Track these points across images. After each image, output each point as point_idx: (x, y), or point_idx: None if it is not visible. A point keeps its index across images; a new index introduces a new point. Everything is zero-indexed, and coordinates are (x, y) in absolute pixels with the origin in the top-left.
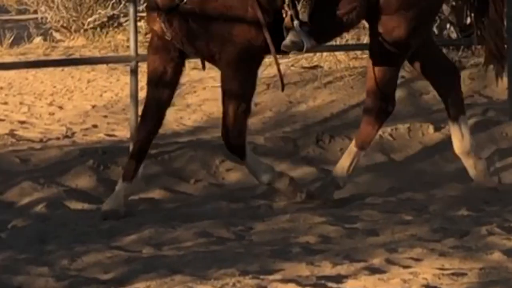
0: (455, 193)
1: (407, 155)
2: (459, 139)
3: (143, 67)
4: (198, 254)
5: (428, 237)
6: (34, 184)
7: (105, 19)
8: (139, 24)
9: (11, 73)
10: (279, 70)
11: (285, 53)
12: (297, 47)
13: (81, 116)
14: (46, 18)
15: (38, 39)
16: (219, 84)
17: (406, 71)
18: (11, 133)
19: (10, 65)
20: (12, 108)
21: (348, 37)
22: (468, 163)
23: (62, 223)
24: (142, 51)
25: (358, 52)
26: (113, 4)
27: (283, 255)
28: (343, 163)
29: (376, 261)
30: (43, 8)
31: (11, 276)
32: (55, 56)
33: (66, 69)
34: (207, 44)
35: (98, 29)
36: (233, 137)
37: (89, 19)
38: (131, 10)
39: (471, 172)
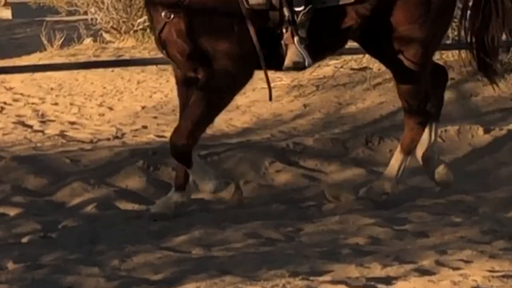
0: (505, 195)
1: (456, 156)
2: (425, 142)
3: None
4: (248, 255)
5: (478, 239)
6: (85, 184)
7: None
8: None
9: (61, 74)
10: (268, 84)
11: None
12: (299, 67)
13: (131, 117)
14: (96, 19)
15: (88, 40)
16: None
17: (455, 73)
18: (62, 134)
19: (60, 66)
20: (63, 109)
21: None
22: (429, 167)
23: (112, 223)
24: None
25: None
26: None
27: (333, 256)
28: (391, 170)
29: (426, 263)
30: (93, 9)
31: (62, 276)
32: (105, 57)
33: (116, 70)
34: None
35: (148, 30)
36: (182, 145)
37: (138, 20)
38: None
39: (434, 176)
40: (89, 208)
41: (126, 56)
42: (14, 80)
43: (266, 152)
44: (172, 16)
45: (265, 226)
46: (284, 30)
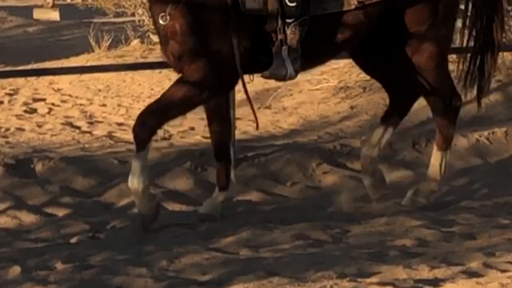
0: None
1: (503, 159)
2: (373, 144)
3: None
4: (295, 256)
5: None
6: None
7: None
8: None
9: (109, 76)
10: (246, 93)
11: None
12: (279, 77)
13: (178, 118)
14: (144, 20)
15: (135, 42)
16: (315, 87)
17: (502, 75)
18: (109, 135)
19: (108, 68)
20: (110, 110)
21: None
22: (367, 168)
23: (160, 224)
24: None
25: (454, 56)
26: None
27: (380, 258)
28: (434, 170)
29: (474, 265)
30: (140, 11)
31: (110, 277)
32: (152, 58)
33: (163, 71)
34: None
35: None
36: (149, 126)
37: None
38: None
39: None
40: (137, 209)
41: None
42: (62, 81)
43: (313, 154)
44: (168, 19)
45: (312, 228)
46: (274, 39)
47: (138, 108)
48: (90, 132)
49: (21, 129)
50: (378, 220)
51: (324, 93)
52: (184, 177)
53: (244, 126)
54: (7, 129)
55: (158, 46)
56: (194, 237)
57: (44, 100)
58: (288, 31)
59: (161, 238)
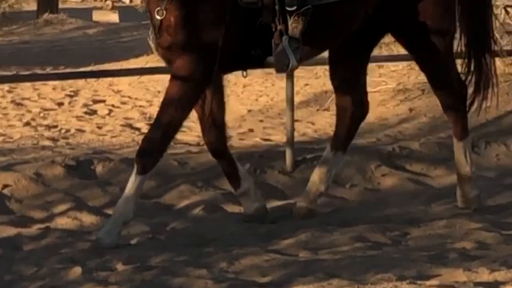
0: None
1: None
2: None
3: (299, 72)
4: (355, 258)
5: None
6: (192, 187)
7: None
8: None
9: (168, 77)
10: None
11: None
12: (281, 66)
13: (237, 120)
14: None
15: None
16: (373, 89)
17: None
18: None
19: (167, 69)
20: None
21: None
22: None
23: (219, 226)
24: None
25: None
26: None
27: (440, 260)
28: (462, 163)
29: None
30: None
31: (170, 278)
32: None
33: None
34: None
35: None
36: (154, 148)
37: None
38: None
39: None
40: (197, 211)
41: None
42: (122, 83)
43: (372, 156)
44: (165, 13)
45: (371, 230)
46: (273, 29)
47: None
48: None
49: (81, 131)
50: (438, 223)
51: (383, 95)
52: None
53: (302, 128)
54: (68, 131)
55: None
56: (253, 238)
57: (104, 101)
58: (291, 21)
59: (220, 240)
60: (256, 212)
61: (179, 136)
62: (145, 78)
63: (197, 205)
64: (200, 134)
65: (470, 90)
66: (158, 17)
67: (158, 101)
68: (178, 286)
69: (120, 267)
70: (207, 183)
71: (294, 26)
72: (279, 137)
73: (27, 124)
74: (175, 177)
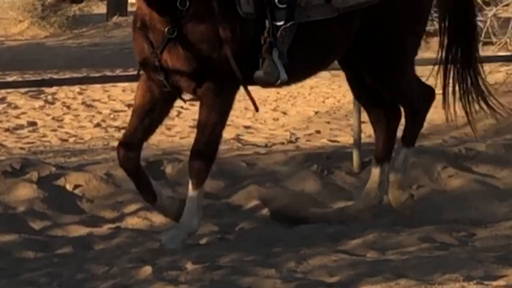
0: None
1: None
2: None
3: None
4: (422, 259)
5: None
6: (260, 188)
7: None
8: None
9: None
10: (249, 96)
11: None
12: (271, 79)
13: (304, 121)
14: None
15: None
16: (439, 91)
17: None
18: (237, 138)
19: None
20: (238, 113)
21: None
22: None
23: (288, 226)
24: None
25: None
26: None
27: (507, 261)
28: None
29: None
30: None
31: (240, 277)
32: None
33: None
34: (191, 74)
35: None
36: (204, 158)
37: None
38: None
39: None
40: (265, 211)
41: None
42: None
43: (439, 158)
44: (175, 31)
45: (438, 231)
46: (262, 42)
47: (265, 111)
48: None
49: None
50: (504, 224)
51: (450, 97)
52: (311, 179)
53: (369, 130)
54: None
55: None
56: (321, 239)
57: None
58: (278, 34)
59: (288, 240)
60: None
61: (246, 137)
62: None
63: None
64: (267, 136)
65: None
66: (168, 36)
67: None
68: (247, 285)
69: (189, 266)
70: (276, 184)
71: (281, 40)
72: (346, 139)
73: (97, 125)
74: (243, 178)
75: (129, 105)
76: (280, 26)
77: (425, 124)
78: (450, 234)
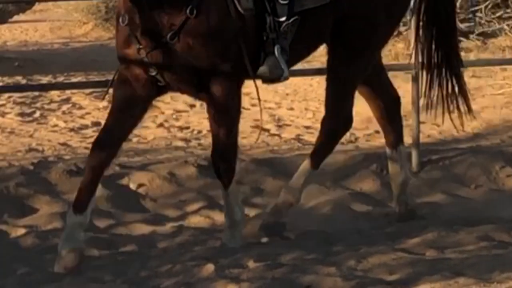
0: None
1: None
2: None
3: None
4: (481, 257)
5: None
6: (321, 186)
7: None
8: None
9: (297, 80)
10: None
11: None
12: (275, 76)
13: (363, 122)
14: None
15: (322, 47)
16: (498, 92)
17: None
18: (297, 138)
19: (295, 72)
20: (298, 113)
21: None
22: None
23: (348, 225)
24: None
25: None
26: None
27: None
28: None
29: None
30: None
31: (300, 275)
32: None
33: None
34: (194, 75)
35: None
36: (226, 159)
37: None
38: (412, 19)
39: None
40: (326, 210)
41: None
42: (252, 85)
43: (496, 157)
44: (177, 37)
45: (497, 230)
46: (264, 38)
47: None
48: (278, 135)
49: None
50: None
51: (507, 98)
52: (370, 179)
53: (428, 130)
54: (199, 132)
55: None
56: (381, 237)
57: None
58: (281, 30)
59: (348, 239)
60: None
61: (307, 137)
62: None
63: (326, 204)
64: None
65: None
66: (169, 40)
67: (286, 103)
68: (307, 283)
69: (251, 264)
70: (335, 183)
71: (284, 37)
72: (405, 139)
73: (160, 125)
74: None
75: (191, 105)
76: (282, 22)
77: (482, 124)
78: (509, 233)
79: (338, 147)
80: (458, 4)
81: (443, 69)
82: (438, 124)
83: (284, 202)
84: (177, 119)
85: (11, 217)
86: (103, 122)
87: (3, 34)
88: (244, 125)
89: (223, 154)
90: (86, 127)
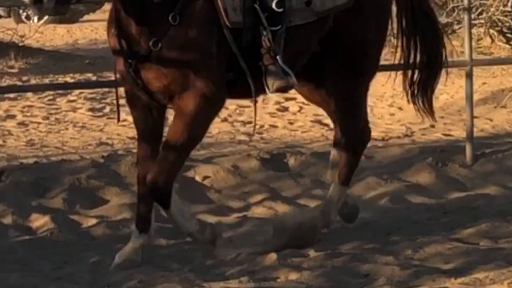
0: None
1: None
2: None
3: (476, 72)
4: None
5: None
6: (378, 179)
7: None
8: (472, 31)
9: None
10: (255, 112)
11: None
12: (288, 85)
13: (419, 116)
14: None
15: None
16: None
17: None
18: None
19: None
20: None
21: None
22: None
23: (404, 216)
24: (475, 56)
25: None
26: (447, 12)
27: None
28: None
29: None
30: None
31: (359, 264)
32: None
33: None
34: (171, 85)
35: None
36: (163, 184)
37: None
38: (465, 17)
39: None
40: (383, 201)
41: None
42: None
43: None
44: (159, 45)
45: None
46: (263, 51)
47: (382, 107)
48: None
49: (274, 126)
50: None
51: None
52: (426, 171)
53: (481, 124)
54: (262, 126)
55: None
56: (437, 228)
57: (294, 99)
58: (276, 39)
59: (405, 229)
60: None
61: None
62: None
63: (383, 196)
64: (384, 130)
65: None
66: (153, 48)
67: None
68: (366, 272)
69: (312, 253)
70: (392, 176)
71: (279, 45)
72: (459, 133)
73: (224, 120)
74: (362, 169)
75: (254, 101)
76: (277, 31)
77: None
78: None
79: (395, 141)
80: None
81: (423, 69)
82: (491, 119)
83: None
84: (240, 114)
85: (82, 208)
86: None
87: (74, 33)
88: (305, 119)
89: (164, 171)
90: None
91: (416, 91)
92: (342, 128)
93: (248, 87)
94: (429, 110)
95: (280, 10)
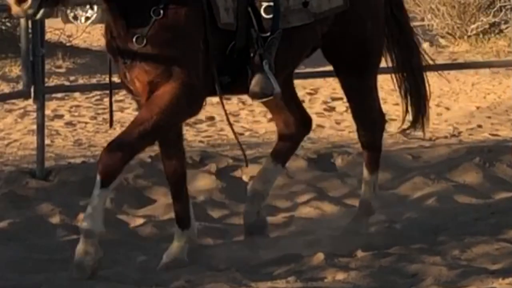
0: None
1: None
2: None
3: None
4: None
5: None
6: (425, 179)
7: (486, 26)
8: None
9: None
10: (225, 112)
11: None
12: (268, 92)
13: (466, 116)
14: (432, 25)
15: (425, 45)
16: None
17: None
18: (403, 132)
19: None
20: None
21: None
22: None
23: (452, 216)
24: None
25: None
26: (494, 12)
27: None
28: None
29: None
30: (429, 16)
31: (407, 264)
32: (440, 60)
33: (452, 72)
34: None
35: (481, 35)
36: (116, 158)
37: (472, 26)
38: None
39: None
40: (430, 201)
41: (461, 60)
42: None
43: None
44: (144, 41)
45: None
46: (251, 54)
47: (429, 107)
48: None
49: (321, 126)
50: None
51: None
52: (473, 171)
53: None
54: None
55: (446, 49)
56: (484, 228)
57: (341, 99)
58: (267, 44)
59: (452, 229)
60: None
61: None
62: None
63: (430, 196)
64: (432, 130)
65: None
66: (136, 45)
67: (392, 99)
68: (414, 272)
69: (359, 253)
70: (439, 176)
71: (269, 52)
72: (506, 133)
73: (271, 120)
74: (409, 169)
75: (301, 101)
76: (267, 37)
77: None
78: None
79: (442, 141)
80: None
81: (404, 73)
82: None
83: (366, 213)
84: None
85: (130, 208)
86: (217, 116)
87: None
88: (351, 119)
89: (123, 144)
90: (200, 121)
91: (409, 98)
92: (359, 121)
93: (242, 86)
94: (421, 121)
95: (269, 16)
